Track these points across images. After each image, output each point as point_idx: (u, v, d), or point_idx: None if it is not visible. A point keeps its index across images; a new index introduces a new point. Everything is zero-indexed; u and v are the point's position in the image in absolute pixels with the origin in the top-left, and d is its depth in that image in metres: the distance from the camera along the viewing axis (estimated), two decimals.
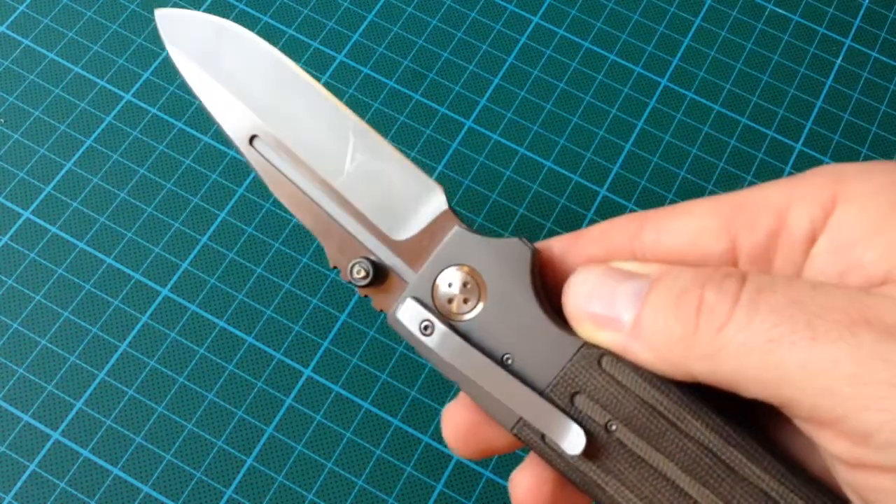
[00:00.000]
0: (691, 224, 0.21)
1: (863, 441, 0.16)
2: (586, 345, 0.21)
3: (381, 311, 0.24)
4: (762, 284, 0.18)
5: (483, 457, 0.23)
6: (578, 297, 0.21)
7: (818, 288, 0.17)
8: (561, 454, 0.20)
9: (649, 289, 0.19)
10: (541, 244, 0.23)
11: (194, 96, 0.25)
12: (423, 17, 0.47)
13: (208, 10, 0.46)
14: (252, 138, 0.24)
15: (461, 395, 0.22)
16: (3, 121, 0.43)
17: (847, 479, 0.17)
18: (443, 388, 0.39)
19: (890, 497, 0.16)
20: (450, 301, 0.22)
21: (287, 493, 0.37)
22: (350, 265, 0.24)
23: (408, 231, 0.24)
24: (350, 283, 0.24)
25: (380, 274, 0.24)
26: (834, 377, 0.16)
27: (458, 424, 0.22)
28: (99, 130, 0.43)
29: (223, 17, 0.46)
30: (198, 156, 0.43)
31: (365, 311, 0.40)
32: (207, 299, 0.40)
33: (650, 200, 0.43)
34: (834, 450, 0.17)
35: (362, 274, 0.23)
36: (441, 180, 0.43)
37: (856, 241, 0.18)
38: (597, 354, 0.21)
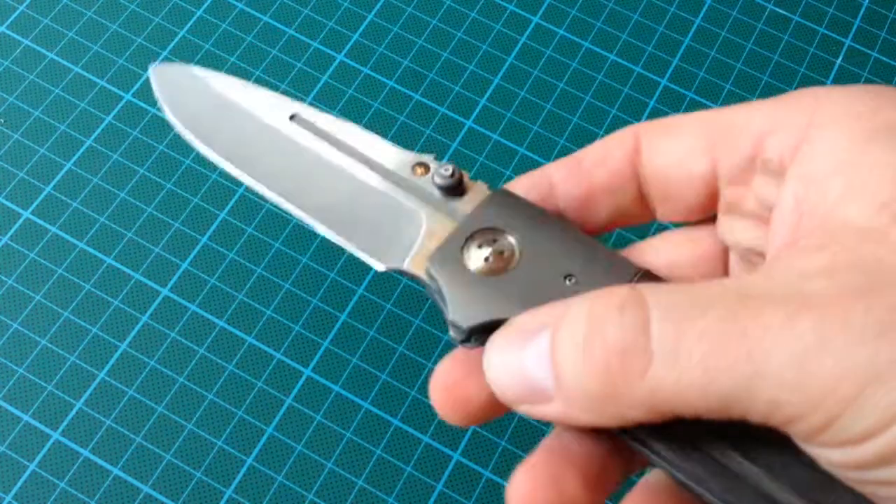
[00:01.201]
0: (680, 144, 0.20)
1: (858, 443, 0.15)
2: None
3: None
4: (668, 303, 0.16)
5: (473, 422, 0.21)
6: (496, 384, 0.19)
7: (721, 288, 0.16)
8: None
9: (551, 345, 0.17)
10: (538, 174, 0.22)
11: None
12: (423, 17, 0.47)
13: (208, 12, 0.46)
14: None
15: (452, 354, 0.21)
16: (2, 121, 0.43)
17: (854, 478, 0.16)
18: None
19: None
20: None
21: (287, 493, 0.37)
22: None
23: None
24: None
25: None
26: (801, 383, 0.14)
27: (447, 386, 0.21)
28: (99, 130, 0.43)
29: (223, 17, 0.46)
30: (198, 156, 0.43)
31: (365, 310, 0.40)
32: (207, 299, 0.40)
33: None
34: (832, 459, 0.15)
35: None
36: None
37: (820, 176, 0.17)
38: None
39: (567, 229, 0.21)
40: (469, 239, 0.21)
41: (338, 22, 0.46)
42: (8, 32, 0.45)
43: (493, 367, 0.19)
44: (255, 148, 0.24)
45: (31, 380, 0.38)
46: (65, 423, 0.37)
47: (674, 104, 0.45)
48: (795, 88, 0.46)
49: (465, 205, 0.22)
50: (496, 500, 0.37)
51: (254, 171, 0.24)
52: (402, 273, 0.22)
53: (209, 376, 0.38)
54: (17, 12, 0.45)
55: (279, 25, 0.46)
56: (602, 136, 0.44)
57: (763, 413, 0.15)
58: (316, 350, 0.39)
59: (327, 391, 0.38)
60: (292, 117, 0.24)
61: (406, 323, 0.40)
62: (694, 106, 0.45)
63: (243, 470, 0.37)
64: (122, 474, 0.37)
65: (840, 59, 0.47)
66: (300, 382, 0.39)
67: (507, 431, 0.38)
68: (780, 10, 0.48)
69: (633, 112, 0.45)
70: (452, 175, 0.22)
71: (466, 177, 0.23)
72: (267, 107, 0.25)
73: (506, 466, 0.38)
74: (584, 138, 0.44)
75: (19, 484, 0.36)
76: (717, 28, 0.47)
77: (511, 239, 0.21)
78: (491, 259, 0.20)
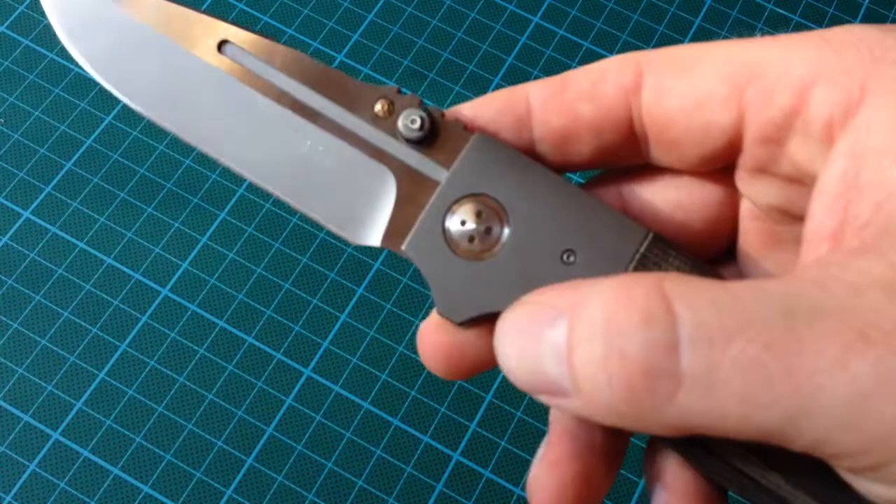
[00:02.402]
0: (697, 86, 0.17)
1: None
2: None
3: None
4: (700, 318, 0.14)
5: (464, 376, 0.19)
6: (510, 374, 0.16)
7: (761, 298, 0.14)
8: None
9: (567, 345, 0.15)
10: (514, 94, 0.19)
11: None
12: (423, 17, 0.47)
13: (208, 11, 0.46)
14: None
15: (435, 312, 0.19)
16: (2, 121, 0.43)
17: None
18: (443, 387, 0.39)
19: None
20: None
21: (287, 493, 0.37)
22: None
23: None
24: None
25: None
26: (858, 427, 0.13)
27: (437, 343, 0.19)
28: (99, 130, 0.43)
29: (224, 17, 0.46)
30: (198, 155, 0.43)
31: (365, 310, 0.40)
32: (207, 299, 0.40)
33: None
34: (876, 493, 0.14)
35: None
36: None
37: (876, 156, 0.14)
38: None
39: (561, 188, 0.18)
40: (450, 211, 0.18)
41: (338, 22, 0.46)
42: (8, 32, 0.45)
43: (506, 358, 0.17)
44: (177, 87, 0.20)
45: (31, 380, 0.38)
46: (65, 423, 0.37)
47: None
48: None
49: (440, 154, 0.19)
50: (496, 500, 0.37)
51: (178, 118, 0.20)
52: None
53: (209, 376, 0.38)
54: (17, 12, 0.45)
55: (279, 25, 0.46)
56: None
57: (806, 447, 0.13)
58: (316, 350, 0.39)
59: (327, 391, 0.38)
60: (222, 45, 0.20)
61: (406, 323, 0.40)
62: None
63: (243, 470, 0.37)
64: (122, 474, 0.37)
65: None
66: (300, 382, 0.39)
67: (508, 431, 0.38)
68: (780, 10, 0.48)
69: None
70: (422, 127, 0.19)
71: (437, 113, 0.19)
72: (188, 31, 0.20)
73: (506, 466, 0.38)
74: None
75: (19, 484, 0.36)
76: (717, 28, 0.47)
77: (498, 209, 0.18)
78: (477, 240, 0.18)
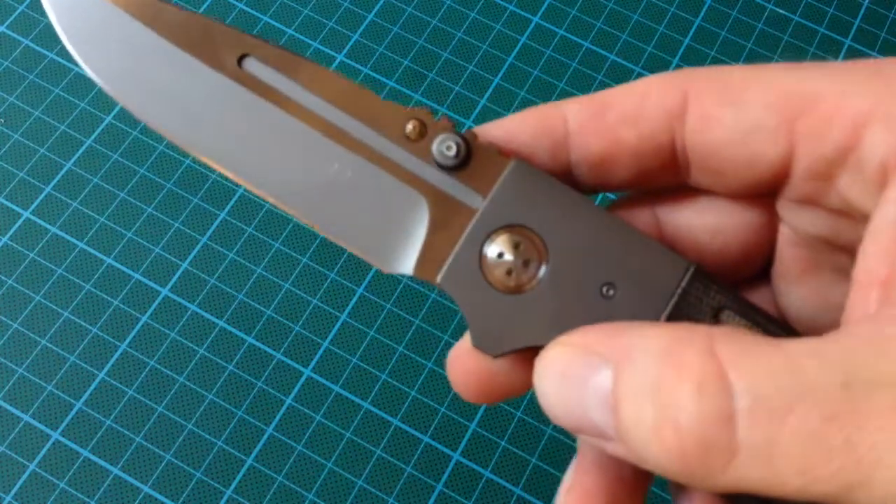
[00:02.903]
0: (745, 116, 0.17)
1: None
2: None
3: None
4: (757, 389, 0.13)
5: (494, 402, 0.19)
6: (550, 412, 0.16)
7: (819, 366, 0.13)
8: None
9: (613, 397, 0.15)
10: (551, 113, 0.18)
11: None
12: (423, 17, 0.47)
13: (208, 11, 0.46)
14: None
15: (466, 336, 0.19)
16: (2, 121, 0.43)
17: None
18: (443, 388, 0.39)
19: None
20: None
21: (287, 493, 0.37)
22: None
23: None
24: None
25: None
26: None
27: (469, 370, 0.18)
28: (99, 130, 0.43)
29: (223, 18, 0.46)
30: None
31: (365, 310, 0.40)
32: (207, 299, 0.40)
33: None
34: None
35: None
36: None
37: None
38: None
39: (600, 219, 0.18)
40: (487, 241, 0.18)
41: (338, 22, 0.46)
42: (8, 32, 0.45)
43: (546, 396, 0.16)
44: (195, 103, 0.19)
45: (31, 380, 0.38)
46: (65, 423, 0.37)
47: None
48: None
49: (475, 179, 0.18)
50: (496, 500, 0.37)
51: (196, 136, 0.19)
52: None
53: (209, 376, 0.38)
54: (17, 12, 0.45)
55: (279, 25, 0.46)
56: None
57: None
58: (316, 350, 0.39)
59: (327, 391, 0.38)
60: (242, 59, 0.19)
61: (406, 323, 0.40)
62: None
63: (243, 470, 0.37)
64: (122, 474, 0.37)
65: (840, 59, 0.47)
66: (300, 382, 0.39)
67: (508, 431, 0.38)
68: (780, 10, 0.48)
69: None
70: (458, 154, 0.18)
71: (471, 137, 0.18)
72: (207, 44, 0.19)
73: (506, 466, 0.38)
74: None
75: (19, 484, 0.36)
76: (717, 28, 0.47)
77: (536, 241, 0.18)
78: (514, 273, 0.17)
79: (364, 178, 0.19)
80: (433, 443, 0.38)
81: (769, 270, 0.20)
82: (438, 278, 0.18)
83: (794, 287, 0.19)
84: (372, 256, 0.19)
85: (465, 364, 0.18)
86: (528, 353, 0.17)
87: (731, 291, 0.17)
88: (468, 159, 0.18)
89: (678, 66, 0.46)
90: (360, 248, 0.19)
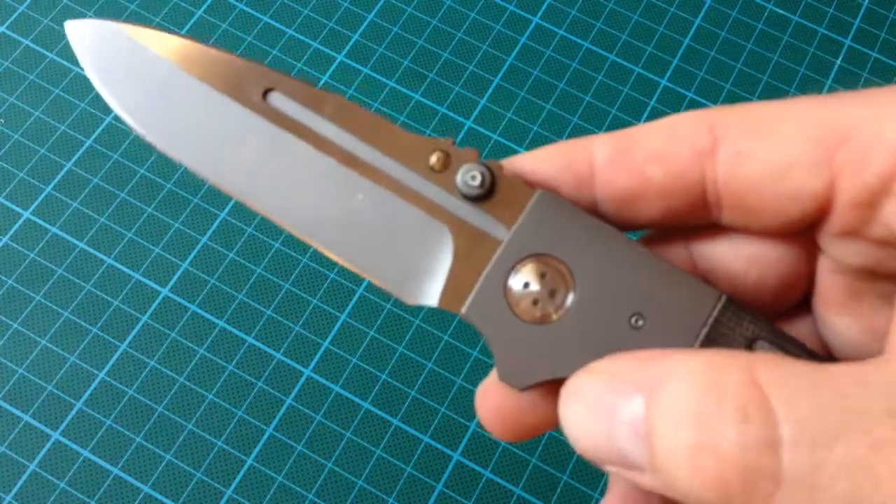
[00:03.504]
0: (782, 151, 0.16)
1: None
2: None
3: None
4: (801, 417, 0.13)
5: (525, 439, 0.19)
6: (577, 444, 0.16)
7: (864, 396, 0.13)
8: None
9: (645, 425, 0.14)
10: (577, 149, 0.18)
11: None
12: (423, 17, 0.47)
13: (208, 12, 0.46)
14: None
15: (493, 373, 0.19)
16: (2, 121, 0.43)
17: None
18: (443, 388, 0.39)
19: None
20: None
21: (287, 493, 0.37)
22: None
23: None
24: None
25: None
26: None
27: (497, 406, 0.18)
28: (99, 130, 0.43)
29: (223, 17, 0.46)
30: None
31: (365, 310, 0.40)
32: (207, 299, 0.40)
33: None
34: None
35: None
36: None
37: None
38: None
39: (628, 248, 0.17)
40: (512, 272, 0.17)
41: (338, 22, 0.46)
42: (8, 32, 0.45)
43: (573, 426, 0.16)
44: (219, 137, 0.19)
45: (31, 380, 0.38)
46: (65, 423, 0.37)
47: (674, 104, 0.45)
48: (795, 89, 0.46)
49: (500, 210, 0.18)
50: (496, 500, 0.37)
51: (224, 172, 0.19)
52: None
53: (209, 376, 0.38)
54: (17, 12, 0.45)
55: (279, 25, 0.46)
56: None
57: None
58: (316, 350, 0.39)
59: (327, 391, 0.38)
60: (267, 93, 0.19)
61: (406, 323, 0.40)
62: (694, 106, 0.45)
63: (243, 470, 0.37)
64: (122, 474, 0.37)
65: (840, 59, 0.47)
66: (300, 382, 0.39)
67: None
68: (780, 11, 0.48)
69: (633, 112, 0.45)
70: (482, 184, 0.18)
71: (496, 167, 0.18)
72: (232, 78, 0.19)
73: (506, 466, 0.38)
74: None
75: (19, 484, 0.36)
76: (717, 28, 0.48)
77: (563, 270, 0.17)
78: (541, 303, 0.17)
79: (388, 209, 0.19)
80: (433, 443, 0.38)
81: (809, 299, 0.19)
82: (463, 310, 0.18)
83: (836, 315, 0.19)
84: (395, 288, 0.18)
85: (492, 400, 0.18)
86: (556, 387, 0.17)
87: (764, 321, 0.17)
88: (493, 190, 0.18)
89: (678, 67, 0.46)
90: (383, 280, 0.18)
